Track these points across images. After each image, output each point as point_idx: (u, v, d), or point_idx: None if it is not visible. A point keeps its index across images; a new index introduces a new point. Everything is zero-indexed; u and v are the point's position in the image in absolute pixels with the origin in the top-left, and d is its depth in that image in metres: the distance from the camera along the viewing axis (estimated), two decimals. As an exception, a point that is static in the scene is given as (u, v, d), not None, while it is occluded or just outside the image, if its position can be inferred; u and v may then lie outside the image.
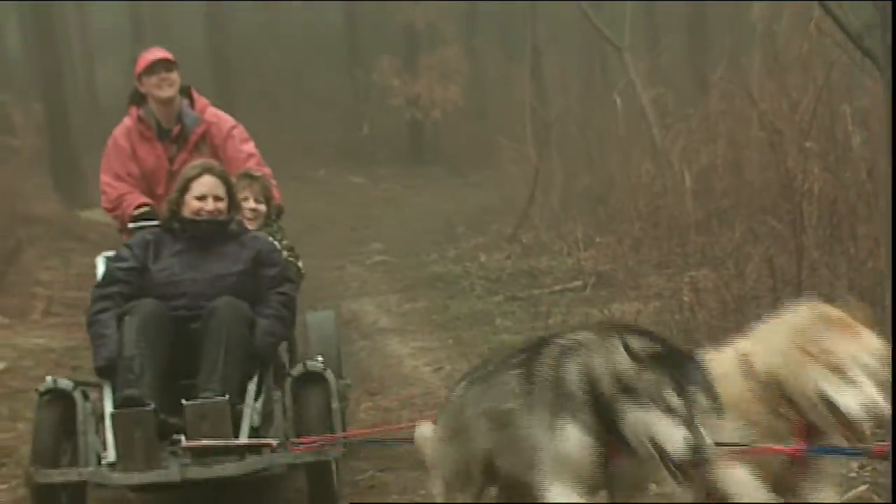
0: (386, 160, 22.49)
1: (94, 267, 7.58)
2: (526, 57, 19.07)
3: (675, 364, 4.62)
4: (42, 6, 19.61)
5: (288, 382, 6.62)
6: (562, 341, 4.90)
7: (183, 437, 6.16)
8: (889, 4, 7.68)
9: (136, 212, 7.52)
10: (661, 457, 4.51)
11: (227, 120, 7.89)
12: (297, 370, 6.65)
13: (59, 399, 6.39)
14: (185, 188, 6.87)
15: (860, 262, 8.60)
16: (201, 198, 6.84)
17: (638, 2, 16.65)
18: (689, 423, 4.52)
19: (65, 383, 6.45)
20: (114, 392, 6.33)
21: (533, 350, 4.99)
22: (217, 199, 6.86)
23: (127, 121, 7.81)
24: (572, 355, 4.80)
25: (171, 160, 7.72)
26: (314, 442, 6.27)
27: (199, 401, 6.22)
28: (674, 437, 4.49)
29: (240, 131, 7.84)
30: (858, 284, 8.46)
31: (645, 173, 13.74)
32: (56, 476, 6.14)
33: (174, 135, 7.73)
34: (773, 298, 8.82)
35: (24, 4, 21.75)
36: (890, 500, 4.35)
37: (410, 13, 21.96)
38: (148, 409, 6.13)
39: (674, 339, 8.69)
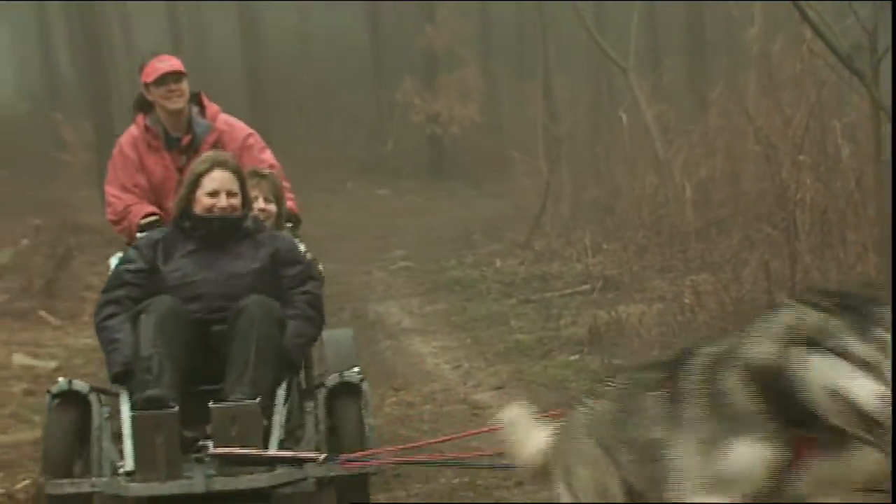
0: (408, 173, 22.48)
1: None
2: (538, 77, 19.05)
3: (856, 309, 3.60)
4: (91, 32, 19.67)
5: (322, 393, 5.79)
6: (708, 349, 3.93)
7: (210, 444, 5.40)
8: (889, 13, 7.65)
9: (144, 220, 6.59)
10: (852, 414, 3.53)
11: (240, 128, 6.94)
12: (332, 381, 5.80)
13: (73, 402, 5.57)
14: (195, 184, 6.01)
15: (849, 266, 8.58)
16: (213, 194, 5.97)
17: (641, 27, 16.62)
18: (879, 371, 3.52)
19: (80, 385, 5.61)
20: (131, 396, 5.51)
21: (673, 367, 4.02)
22: (230, 194, 5.99)
23: (133, 129, 6.85)
24: (725, 360, 3.82)
25: (180, 170, 6.70)
26: (368, 456, 5.48)
27: (228, 403, 5.40)
28: (863, 387, 3.50)
29: (256, 139, 6.92)
30: (849, 287, 8.44)
31: (648, 185, 13.72)
32: (68, 487, 5.36)
33: (184, 144, 6.77)
34: (769, 300, 8.81)
35: (76, 30, 21.82)
36: (890, 501, 4.19)
37: (430, 37, 21.96)
38: (171, 411, 5.32)
39: (676, 339, 8.75)
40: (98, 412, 5.58)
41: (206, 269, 5.87)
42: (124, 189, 6.74)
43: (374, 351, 9.54)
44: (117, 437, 5.57)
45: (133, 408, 5.42)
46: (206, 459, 5.42)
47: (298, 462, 5.47)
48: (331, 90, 26.63)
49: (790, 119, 9.99)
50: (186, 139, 6.77)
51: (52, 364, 9.33)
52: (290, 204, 6.76)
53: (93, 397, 5.59)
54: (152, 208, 6.68)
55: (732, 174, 11.84)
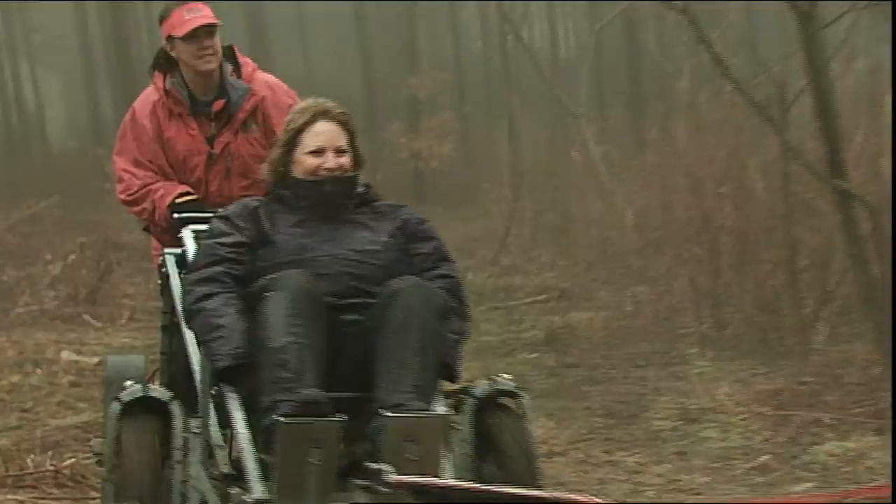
0: (395, 200, 22.49)
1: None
2: (504, 121, 19.09)
3: None
4: (128, 79, 19.63)
5: (468, 406, 3.82)
6: None
7: (385, 467, 3.33)
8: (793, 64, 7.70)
9: (180, 199, 4.60)
10: None
11: (283, 91, 4.81)
12: (483, 390, 3.85)
13: (151, 413, 3.70)
14: (292, 142, 3.98)
15: (763, 280, 8.62)
16: (317, 152, 3.94)
17: (590, 80, 16.66)
18: None
19: (159, 392, 3.74)
20: (247, 400, 3.55)
21: None
22: (339, 151, 3.97)
23: (151, 92, 4.75)
24: None
25: (209, 141, 4.70)
26: None
27: (407, 414, 3.43)
28: None
29: None
30: (762, 298, 8.47)
31: (596, 211, 13.75)
32: None
33: (215, 111, 4.69)
34: (696, 309, 8.84)
35: (115, 76, 21.78)
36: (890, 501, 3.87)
37: (414, 87, 22.02)
38: (336, 421, 3.34)
39: (618, 341, 8.77)
40: (181, 426, 3.70)
41: (327, 243, 3.86)
42: (138, 164, 4.74)
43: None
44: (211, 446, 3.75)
45: (278, 411, 3.40)
46: (382, 489, 3.35)
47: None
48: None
49: (714, 158, 10.02)
50: (218, 104, 4.71)
51: (95, 360, 9.28)
52: None
53: (174, 407, 3.71)
54: (185, 186, 4.69)
55: (666, 203, 11.86)
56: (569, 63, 21.87)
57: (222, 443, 3.79)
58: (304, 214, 3.93)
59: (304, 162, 3.98)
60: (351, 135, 4.05)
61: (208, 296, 3.73)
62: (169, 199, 4.63)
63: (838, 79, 8.16)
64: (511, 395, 3.85)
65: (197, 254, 3.97)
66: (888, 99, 8.74)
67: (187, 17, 4.62)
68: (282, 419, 3.34)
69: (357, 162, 4.07)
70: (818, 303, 8.22)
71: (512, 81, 19.94)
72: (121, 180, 4.79)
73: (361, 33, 25.47)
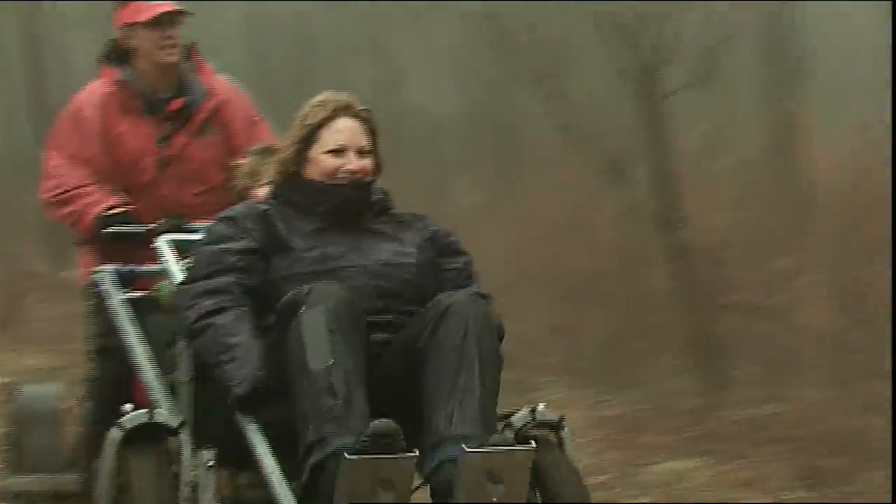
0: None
1: (79, 310, 3.79)
2: (392, 171, 19.19)
3: None
4: (45, 115, 19.27)
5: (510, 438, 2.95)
6: None
7: None
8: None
9: (110, 212, 3.77)
10: None
11: (243, 101, 4.12)
12: (521, 419, 3.01)
13: (156, 442, 2.94)
14: (309, 138, 3.17)
15: (610, 318, 8.87)
16: (338, 152, 3.16)
17: (464, 135, 16.87)
18: None
19: (165, 417, 2.95)
20: (270, 428, 2.85)
21: None
22: (361, 153, 3.18)
23: (98, 86, 3.96)
24: None
25: (163, 141, 3.95)
26: None
27: (490, 448, 2.67)
28: None
29: (266, 131, 4.08)
30: (609, 334, 8.73)
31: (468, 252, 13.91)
32: None
33: (171, 110, 3.95)
34: (552, 342, 9.04)
35: (32, 114, 21.34)
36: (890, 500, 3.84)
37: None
38: (411, 456, 2.62)
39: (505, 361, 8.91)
40: (190, 458, 2.93)
41: (353, 253, 3.09)
42: (74, 161, 3.88)
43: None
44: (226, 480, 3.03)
45: (343, 445, 2.65)
46: None
47: None
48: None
49: (569, 209, 10.28)
50: (176, 103, 3.96)
51: (6, 380, 9.13)
52: None
53: (185, 436, 2.95)
54: (116, 198, 3.85)
55: (526, 248, 12.10)
56: (446, 119, 22.14)
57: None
58: (321, 221, 3.13)
59: (323, 162, 3.17)
60: (373, 135, 3.25)
61: (217, 311, 2.95)
62: (97, 210, 3.81)
63: (676, 136, 8.44)
64: (553, 426, 3.07)
65: (204, 257, 3.09)
66: (723, 159, 9.13)
67: (151, 3, 3.91)
68: (347, 455, 2.57)
69: (377, 166, 3.27)
70: (655, 340, 8.51)
71: (396, 136, 20.12)
72: (51, 177, 3.92)
73: (263, 86, 25.36)
